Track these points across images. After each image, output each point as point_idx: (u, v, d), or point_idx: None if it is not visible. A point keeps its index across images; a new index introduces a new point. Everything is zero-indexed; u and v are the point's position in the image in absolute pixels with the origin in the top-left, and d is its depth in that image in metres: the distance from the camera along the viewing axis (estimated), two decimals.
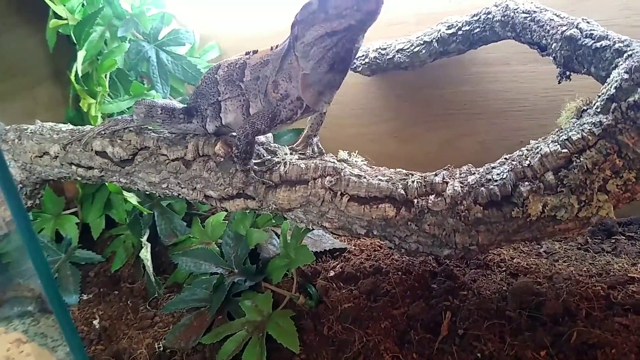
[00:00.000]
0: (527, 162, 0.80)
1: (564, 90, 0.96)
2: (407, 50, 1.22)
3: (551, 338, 0.81)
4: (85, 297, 1.25)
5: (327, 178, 0.90)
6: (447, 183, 0.84)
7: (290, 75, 0.86)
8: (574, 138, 0.77)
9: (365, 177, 0.89)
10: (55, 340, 1.01)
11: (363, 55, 1.33)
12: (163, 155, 1.01)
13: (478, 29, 1.09)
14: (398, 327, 0.91)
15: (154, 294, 1.17)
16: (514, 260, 1.02)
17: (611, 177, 0.75)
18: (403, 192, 0.86)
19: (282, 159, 0.95)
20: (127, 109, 1.37)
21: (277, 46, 0.90)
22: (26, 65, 1.48)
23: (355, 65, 1.35)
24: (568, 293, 0.88)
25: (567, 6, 1.05)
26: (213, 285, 1.07)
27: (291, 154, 0.98)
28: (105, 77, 1.40)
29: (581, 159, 0.76)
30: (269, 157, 0.96)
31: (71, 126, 1.17)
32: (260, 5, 1.49)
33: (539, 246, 1.09)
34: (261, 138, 1.02)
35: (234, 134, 0.98)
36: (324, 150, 1.01)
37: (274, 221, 1.18)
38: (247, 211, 0.99)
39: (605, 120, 0.76)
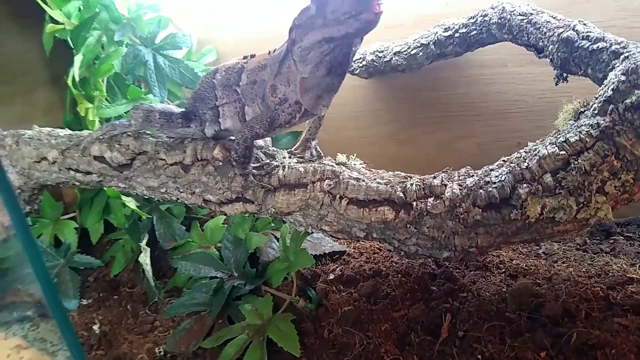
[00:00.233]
0: (526, 164, 0.80)
1: (561, 92, 0.96)
2: (405, 53, 1.23)
3: (551, 339, 0.81)
4: (84, 302, 1.25)
5: (326, 181, 0.90)
6: (445, 186, 0.84)
7: (288, 79, 0.86)
8: (572, 140, 0.77)
9: (364, 180, 0.90)
10: (55, 345, 1.00)
11: (360, 58, 1.33)
12: (161, 159, 1.01)
13: (475, 31, 1.10)
14: (398, 329, 0.91)
15: (154, 299, 1.17)
16: (513, 262, 1.02)
17: (609, 179, 0.76)
18: (402, 195, 0.86)
19: (281, 163, 0.95)
20: (125, 113, 1.37)
21: (274, 50, 0.90)
22: (23, 70, 1.48)
23: (352, 68, 1.35)
24: (567, 294, 0.88)
25: (565, 8, 1.06)
26: (213, 289, 1.07)
27: (290, 157, 0.98)
28: (103, 81, 1.40)
29: (579, 161, 0.76)
30: (268, 160, 0.96)
31: (69, 131, 1.16)
32: (258, 8, 1.50)
33: (538, 247, 1.09)
34: (260, 142, 1.02)
35: (233, 138, 0.98)
36: (322, 154, 1.01)
37: (272, 225, 1.18)
38: (246, 215, 0.99)
39: (602, 122, 0.76)
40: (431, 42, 1.18)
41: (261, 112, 0.90)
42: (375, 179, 0.90)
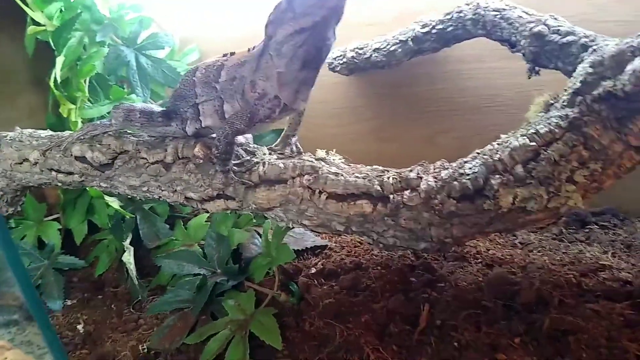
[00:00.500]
0: (498, 155, 0.82)
1: (537, 85, 0.98)
2: (384, 50, 1.25)
3: (525, 326, 0.83)
4: (69, 302, 1.25)
5: (306, 177, 0.92)
6: (421, 178, 0.86)
7: (267, 75, 0.88)
8: (542, 131, 0.79)
9: (342, 175, 0.91)
10: (42, 349, 1.01)
11: (341, 55, 1.35)
12: (143, 158, 1.01)
13: (451, 28, 1.12)
14: (378, 320, 0.92)
15: (138, 297, 1.18)
16: (490, 252, 1.04)
17: (578, 168, 0.78)
18: (379, 188, 0.87)
19: (261, 159, 0.96)
20: (107, 113, 1.37)
21: (254, 47, 0.91)
22: (6, 72, 1.48)
23: (333, 65, 1.37)
24: (541, 282, 0.90)
25: (538, 2, 1.08)
26: (196, 286, 1.08)
27: (270, 154, 0.99)
28: (85, 82, 1.40)
29: (549, 151, 0.78)
30: (248, 157, 0.97)
31: (50, 132, 1.17)
32: (240, 7, 1.51)
33: (515, 237, 1.12)
34: (241, 139, 1.03)
35: (214, 135, 0.99)
36: (302, 150, 1.02)
37: (254, 221, 1.20)
38: (228, 212, 1.00)
39: (571, 113, 0.79)
40: (409, 39, 1.20)
41: (241, 108, 0.92)
42: (353, 174, 0.92)
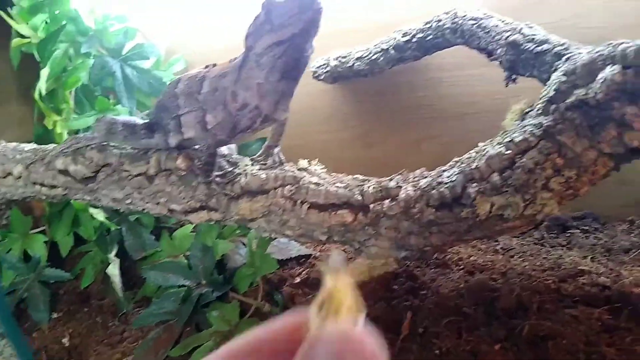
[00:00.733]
0: (475, 164, 0.83)
1: (517, 92, 1.00)
2: (366, 58, 1.26)
3: (505, 332, 0.84)
4: (55, 315, 1.25)
5: (287, 187, 0.92)
6: (400, 187, 0.87)
7: (247, 85, 0.88)
8: (517, 140, 0.80)
9: (323, 185, 0.92)
10: None
11: (325, 64, 1.36)
12: (126, 171, 1.02)
13: (431, 36, 1.13)
14: None
15: (123, 310, 1.18)
16: (471, 259, 1.05)
17: (553, 176, 0.79)
18: (360, 198, 0.88)
19: (244, 170, 0.97)
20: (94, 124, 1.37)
21: (235, 59, 0.92)
22: None
23: (317, 74, 1.38)
24: (521, 288, 0.91)
25: (519, 10, 1.10)
26: (181, 298, 1.09)
27: (252, 164, 1.00)
28: (70, 93, 1.40)
29: (524, 160, 0.79)
30: (231, 168, 0.97)
31: (34, 145, 1.17)
32: (226, 17, 1.52)
33: (497, 243, 1.13)
34: (224, 150, 1.04)
35: (196, 147, 1.00)
36: (284, 160, 1.03)
37: (238, 231, 1.20)
38: (212, 223, 1.01)
39: (545, 121, 0.80)
40: (391, 47, 1.21)
41: (223, 119, 0.92)
42: (334, 183, 0.92)
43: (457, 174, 0.84)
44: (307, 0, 0.75)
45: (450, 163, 0.88)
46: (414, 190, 0.85)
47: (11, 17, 1.36)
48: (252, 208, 0.94)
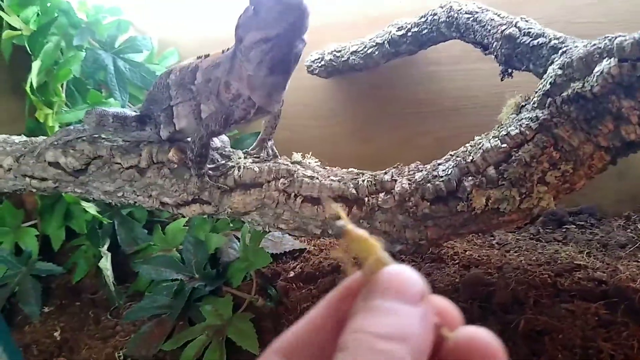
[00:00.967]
0: (471, 157, 0.82)
1: (513, 87, 0.99)
2: (361, 52, 1.25)
3: (501, 326, 0.84)
4: (46, 309, 1.24)
5: (281, 180, 0.91)
6: (395, 181, 0.86)
7: (240, 76, 0.87)
8: (513, 133, 0.79)
9: (317, 178, 0.91)
10: None
11: (319, 58, 1.35)
12: (117, 163, 1.00)
13: (426, 30, 1.12)
14: None
15: (115, 304, 1.16)
16: (467, 253, 1.05)
17: (549, 169, 0.78)
18: (354, 191, 0.87)
19: (237, 163, 0.96)
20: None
21: (228, 49, 0.91)
22: None
23: (312, 68, 1.37)
24: (517, 282, 0.91)
25: (515, 4, 1.09)
26: (174, 292, 1.08)
27: (245, 157, 0.99)
28: (62, 86, 1.39)
29: (520, 153, 0.78)
30: (223, 161, 0.97)
31: (24, 138, 1.15)
32: (219, 10, 1.50)
33: (492, 237, 1.12)
34: (217, 143, 1.03)
35: (189, 139, 0.98)
36: (277, 153, 1.02)
37: (231, 225, 1.19)
38: (205, 216, 1.00)
39: (541, 114, 0.79)
40: (386, 41, 1.20)
41: (216, 109, 0.91)
42: (328, 177, 0.92)
43: (453, 167, 0.83)
44: (294, 1, 0.73)
45: (446, 156, 0.87)
46: (409, 184, 0.85)
47: (2, 9, 1.34)
48: (246, 201, 0.93)
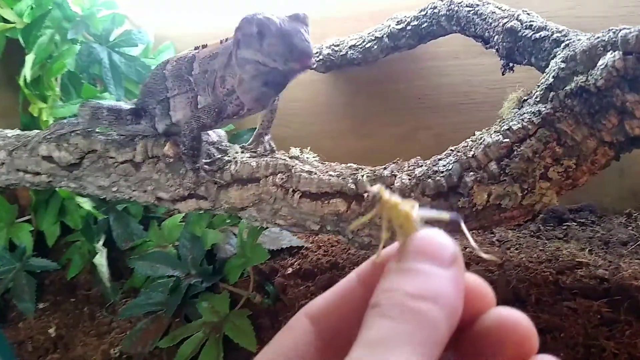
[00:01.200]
0: (472, 152, 0.81)
1: (513, 82, 0.98)
2: (360, 46, 1.23)
3: None
4: (41, 305, 1.22)
5: (279, 175, 0.90)
6: (395, 176, 0.85)
7: (234, 73, 0.86)
8: (515, 128, 0.78)
9: (316, 174, 0.89)
10: None
11: (317, 53, 1.33)
12: (111, 158, 0.99)
13: (426, 24, 1.11)
14: None
15: (111, 300, 1.15)
16: (467, 250, 1.03)
17: (552, 165, 0.77)
18: (353, 187, 0.86)
19: (233, 158, 0.94)
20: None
21: (226, 39, 0.89)
22: None
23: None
24: (518, 280, 0.89)
25: None
26: (170, 288, 1.06)
27: (242, 152, 0.97)
28: (56, 80, 1.37)
29: (522, 148, 0.77)
30: (220, 156, 0.95)
31: (18, 132, 1.14)
32: (215, 4, 1.48)
33: (492, 235, 1.11)
34: (213, 137, 1.01)
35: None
36: (275, 148, 1.00)
37: (228, 221, 1.18)
38: (201, 212, 0.98)
39: (544, 109, 0.78)
40: (385, 35, 1.18)
41: (210, 102, 0.90)
42: (327, 172, 0.90)
43: (454, 162, 0.82)
44: (303, 52, 0.71)
45: (446, 152, 0.86)
46: (409, 179, 0.83)
47: None
48: (243, 196, 0.91)
